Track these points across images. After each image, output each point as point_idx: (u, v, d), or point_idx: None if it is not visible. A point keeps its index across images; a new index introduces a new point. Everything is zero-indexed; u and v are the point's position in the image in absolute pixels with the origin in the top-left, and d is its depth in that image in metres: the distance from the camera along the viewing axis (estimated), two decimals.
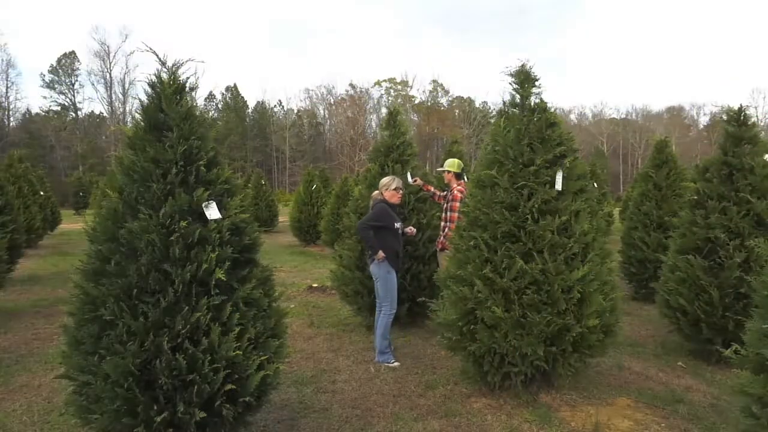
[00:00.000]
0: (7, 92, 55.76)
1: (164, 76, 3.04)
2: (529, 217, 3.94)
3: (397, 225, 5.11)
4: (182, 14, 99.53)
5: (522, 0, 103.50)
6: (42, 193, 16.88)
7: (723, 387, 4.49)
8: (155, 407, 2.70)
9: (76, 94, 60.81)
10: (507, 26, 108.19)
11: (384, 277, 5.05)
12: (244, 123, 68.00)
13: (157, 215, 2.86)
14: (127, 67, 62.55)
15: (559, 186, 4.01)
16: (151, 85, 3.03)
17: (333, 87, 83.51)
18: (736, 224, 4.86)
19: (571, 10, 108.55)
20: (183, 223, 2.84)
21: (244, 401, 2.90)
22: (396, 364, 5.00)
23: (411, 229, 5.42)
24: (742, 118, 5.10)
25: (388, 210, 5.08)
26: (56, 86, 59.05)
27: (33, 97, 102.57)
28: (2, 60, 63.80)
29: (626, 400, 4.21)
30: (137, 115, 3.07)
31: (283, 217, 22.50)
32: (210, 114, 66.29)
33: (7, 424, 3.79)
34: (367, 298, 6.02)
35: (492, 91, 75.75)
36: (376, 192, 5.22)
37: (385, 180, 5.23)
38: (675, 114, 72.52)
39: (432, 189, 6.30)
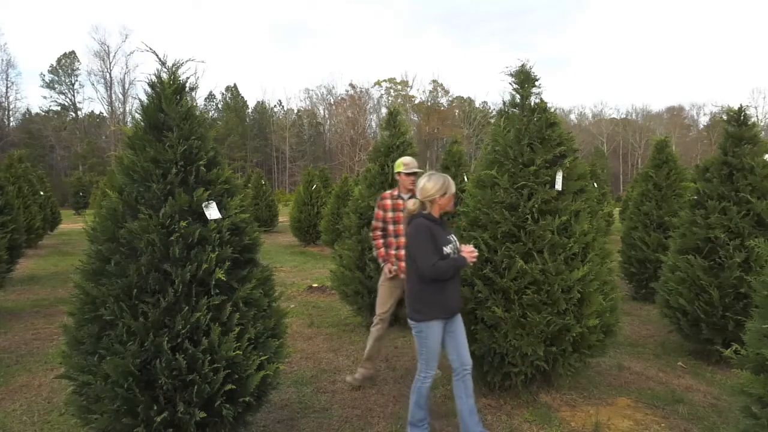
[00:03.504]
0: (7, 92, 55.90)
1: (164, 76, 3.03)
2: (529, 217, 3.94)
3: (448, 250, 3.34)
4: (182, 14, 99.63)
5: (522, 0, 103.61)
6: (42, 193, 16.88)
7: (723, 387, 4.49)
8: (155, 407, 2.70)
9: (76, 94, 61.12)
10: (507, 26, 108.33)
11: (420, 332, 3.40)
12: (244, 123, 68.06)
13: (157, 215, 2.86)
14: (127, 67, 62.86)
15: (559, 186, 4.01)
16: (151, 85, 3.03)
17: (333, 87, 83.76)
18: (736, 224, 4.86)
19: (572, 10, 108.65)
20: (183, 223, 2.84)
21: (244, 401, 2.90)
22: None
23: (469, 252, 3.40)
24: (742, 118, 5.10)
25: (431, 229, 3.30)
26: (56, 86, 59.15)
27: (33, 97, 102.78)
28: (2, 60, 63.87)
29: (626, 400, 4.21)
30: (137, 115, 3.07)
31: (283, 217, 22.52)
32: (210, 114, 66.36)
33: (7, 424, 3.79)
34: (367, 298, 6.02)
35: (492, 91, 76.13)
36: (413, 202, 3.45)
37: (436, 182, 3.37)
38: (675, 114, 72.54)
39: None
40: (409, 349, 5.55)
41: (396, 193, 4.60)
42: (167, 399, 2.77)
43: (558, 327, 3.81)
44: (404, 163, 4.52)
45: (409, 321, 3.44)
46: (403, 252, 4.40)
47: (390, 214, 4.55)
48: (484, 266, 3.98)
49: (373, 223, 4.68)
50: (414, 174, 4.51)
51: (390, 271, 4.50)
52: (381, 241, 4.62)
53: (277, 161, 66.81)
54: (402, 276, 4.42)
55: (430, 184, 3.37)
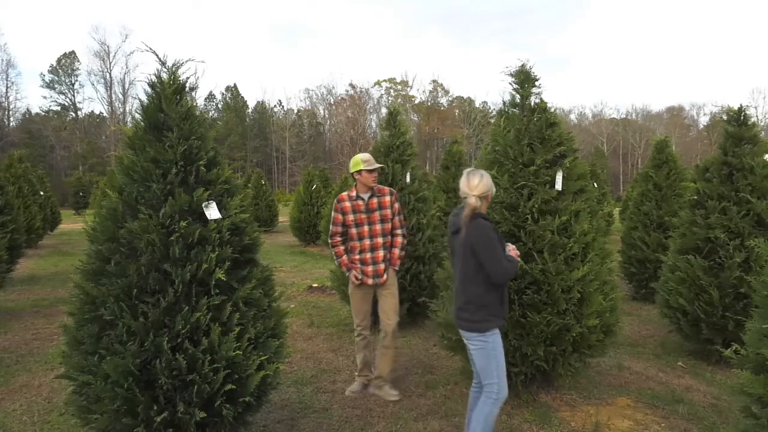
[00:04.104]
0: (7, 92, 55.91)
1: (164, 76, 3.04)
2: (529, 217, 3.94)
3: (507, 250, 3.20)
4: (182, 14, 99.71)
5: (522, 0, 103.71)
6: (42, 193, 16.88)
7: (723, 387, 4.49)
8: (155, 407, 2.70)
9: (76, 94, 61.18)
10: (507, 26, 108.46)
11: (486, 342, 3.08)
12: (244, 123, 68.10)
13: (157, 215, 2.86)
14: (127, 67, 63.01)
15: (559, 186, 4.01)
16: (151, 85, 3.03)
17: (333, 87, 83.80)
18: (736, 224, 4.86)
19: (572, 10, 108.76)
20: (183, 223, 2.84)
21: (244, 401, 2.90)
22: None
23: (514, 250, 3.24)
24: (742, 118, 5.10)
25: (495, 229, 3.13)
26: (56, 86, 59.20)
27: (33, 97, 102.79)
28: (2, 60, 63.96)
29: (626, 400, 4.21)
30: (137, 115, 3.07)
31: (283, 217, 22.52)
32: (210, 114, 66.40)
33: (7, 424, 3.79)
34: None
35: (492, 91, 76.25)
36: (474, 200, 3.06)
37: (488, 179, 3.14)
38: (675, 114, 72.55)
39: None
40: (409, 349, 5.55)
41: (354, 194, 4.26)
42: (167, 399, 2.77)
43: (558, 327, 3.81)
44: (364, 160, 4.18)
45: (468, 334, 3.11)
46: (369, 255, 4.23)
47: (351, 217, 4.22)
48: None
49: (332, 228, 4.31)
50: (376, 170, 4.23)
51: (356, 279, 4.22)
52: (342, 248, 4.32)
53: (277, 161, 66.83)
54: (370, 282, 4.25)
55: (485, 180, 3.12)
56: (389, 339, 4.27)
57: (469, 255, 3.05)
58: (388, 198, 4.29)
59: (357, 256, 4.26)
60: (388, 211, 4.28)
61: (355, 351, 4.56)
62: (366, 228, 4.23)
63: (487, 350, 3.08)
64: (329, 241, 4.37)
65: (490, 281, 3.02)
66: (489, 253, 2.99)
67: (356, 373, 4.50)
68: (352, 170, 4.26)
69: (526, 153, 4.05)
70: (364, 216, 4.22)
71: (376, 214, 4.23)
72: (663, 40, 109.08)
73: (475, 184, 3.09)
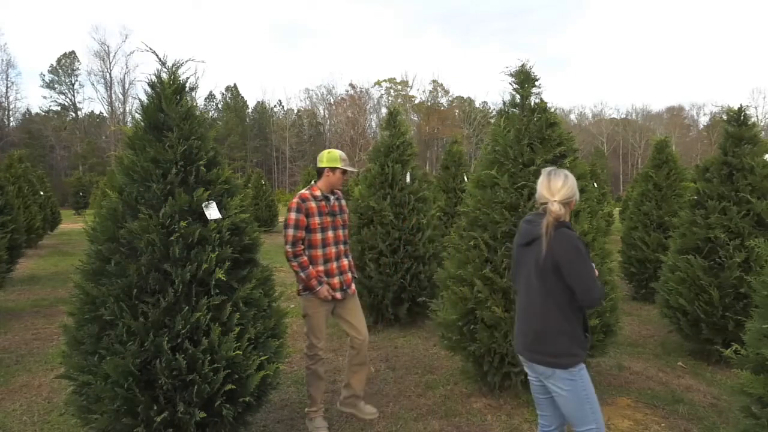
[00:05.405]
0: (7, 92, 55.91)
1: (164, 76, 3.04)
2: None
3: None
4: (182, 14, 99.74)
5: (522, 0, 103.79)
6: (42, 193, 16.90)
7: (723, 387, 4.49)
8: (155, 407, 2.70)
9: (76, 94, 61.20)
10: (507, 26, 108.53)
11: (575, 381, 2.50)
12: (244, 123, 68.14)
13: (157, 215, 2.86)
14: (127, 67, 63.09)
15: None
16: (151, 85, 3.03)
17: (333, 87, 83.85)
18: (736, 224, 4.86)
19: (572, 10, 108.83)
20: (183, 223, 2.84)
21: (244, 401, 2.90)
22: None
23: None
24: (742, 118, 5.10)
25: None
26: (56, 86, 59.22)
27: (33, 97, 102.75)
28: (2, 60, 63.97)
29: (626, 400, 4.21)
30: (137, 115, 3.08)
31: (283, 217, 22.53)
32: (210, 114, 66.43)
33: (7, 424, 3.79)
34: (367, 298, 6.03)
35: (492, 91, 76.34)
36: (558, 207, 2.48)
37: (571, 181, 2.57)
38: (675, 114, 72.57)
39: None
40: (409, 349, 5.55)
41: (318, 193, 3.64)
42: (167, 399, 2.77)
43: None
44: (343, 159, 3.67)
45: (549, 372, 2.52)
46: (335, 265, 3.66)
47: (317, 220, 3.57)
48: (484, 266, 3.99)
49: (293, 232, 3.51)
50: (349, 173, 3.76)
51: (328, 294, 3.59)
52: (306, 258, 3.56)
53: (277, 161, 66.85)
54: (339, 296, 3.67)
55: (569, 182, 2.57)
56: (363, 355, 3.81)
57: (550, 272, 2.49)
58: (344, 201, 3.88)
59: (321, 267, 3.61)
60: (346, 216, 3.84)
61: (309, 382, 3.74)
62: (331, 233, 3.66)
63: (578, 391, 2.49)
64: (290, 249, 3.53)
65: (575, 304, 2.48)
66: (579, 270, 2.44)
67: (314, 408, 3.73)
68: (325, 165, 3.64)
69: (526, 153, 4.06)
70: (329, 219, 3.65)
71: (339, 219, 3.73)
72: (663, 41, 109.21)
73: (558, 187, 2.53)
